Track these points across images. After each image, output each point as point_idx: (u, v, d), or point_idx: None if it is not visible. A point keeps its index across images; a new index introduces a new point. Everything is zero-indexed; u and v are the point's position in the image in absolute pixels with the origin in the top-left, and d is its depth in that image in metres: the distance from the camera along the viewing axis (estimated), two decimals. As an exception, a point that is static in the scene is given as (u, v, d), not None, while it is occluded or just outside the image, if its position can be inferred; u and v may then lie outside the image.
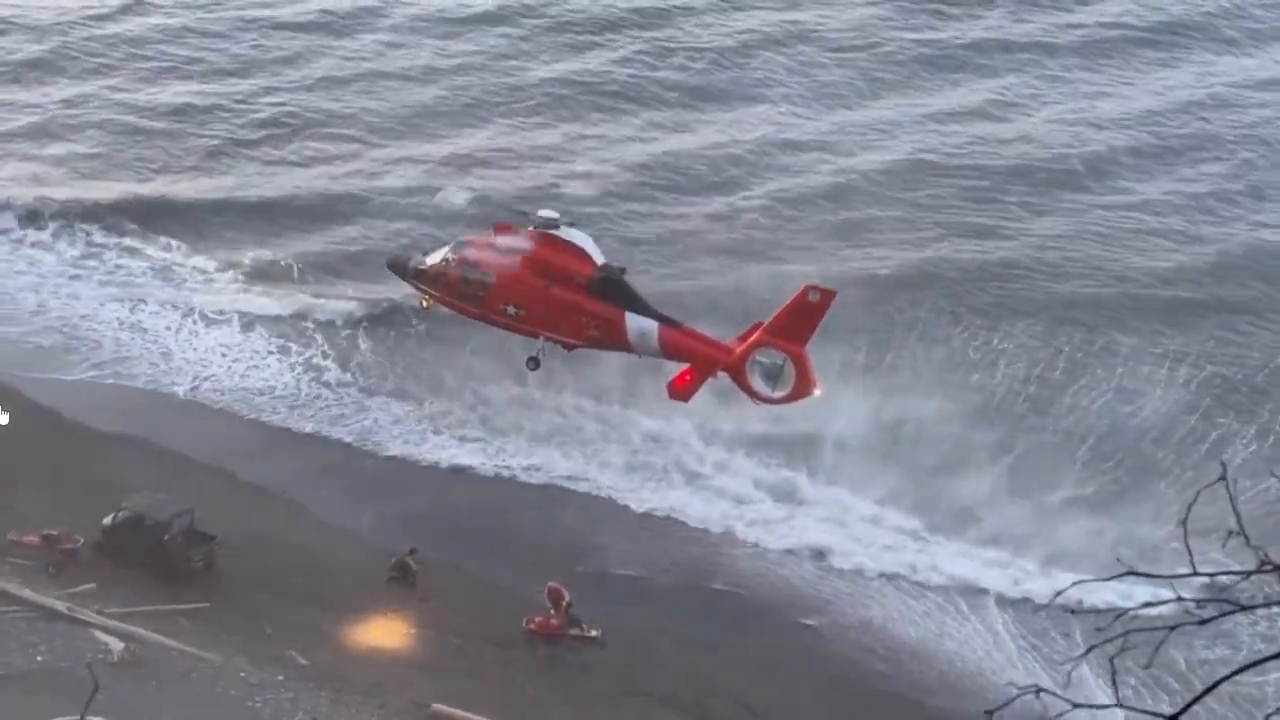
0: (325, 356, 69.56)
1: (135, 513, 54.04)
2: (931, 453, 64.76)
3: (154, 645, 48.95)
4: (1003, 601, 59.04)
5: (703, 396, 62.42)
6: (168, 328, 70.28)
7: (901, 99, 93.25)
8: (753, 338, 59.70)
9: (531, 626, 54.57)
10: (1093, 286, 77.01)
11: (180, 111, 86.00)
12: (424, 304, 65.42)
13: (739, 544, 61.75)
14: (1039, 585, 58.17)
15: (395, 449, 64.71)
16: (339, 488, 61.99)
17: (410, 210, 77.18)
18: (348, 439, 65.03)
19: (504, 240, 62.57)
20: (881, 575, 60.52)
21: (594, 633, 54.77)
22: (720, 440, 65.84)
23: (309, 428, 65.59)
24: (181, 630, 50.52)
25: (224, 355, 69.14)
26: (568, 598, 54.70)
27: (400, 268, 65.85)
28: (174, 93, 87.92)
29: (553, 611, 54.69)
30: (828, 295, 57.90)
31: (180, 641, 49.53)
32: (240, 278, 73.53)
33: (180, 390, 66.70)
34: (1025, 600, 58.45)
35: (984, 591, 59.48)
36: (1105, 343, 72.30)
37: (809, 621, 58.17)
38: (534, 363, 63.18)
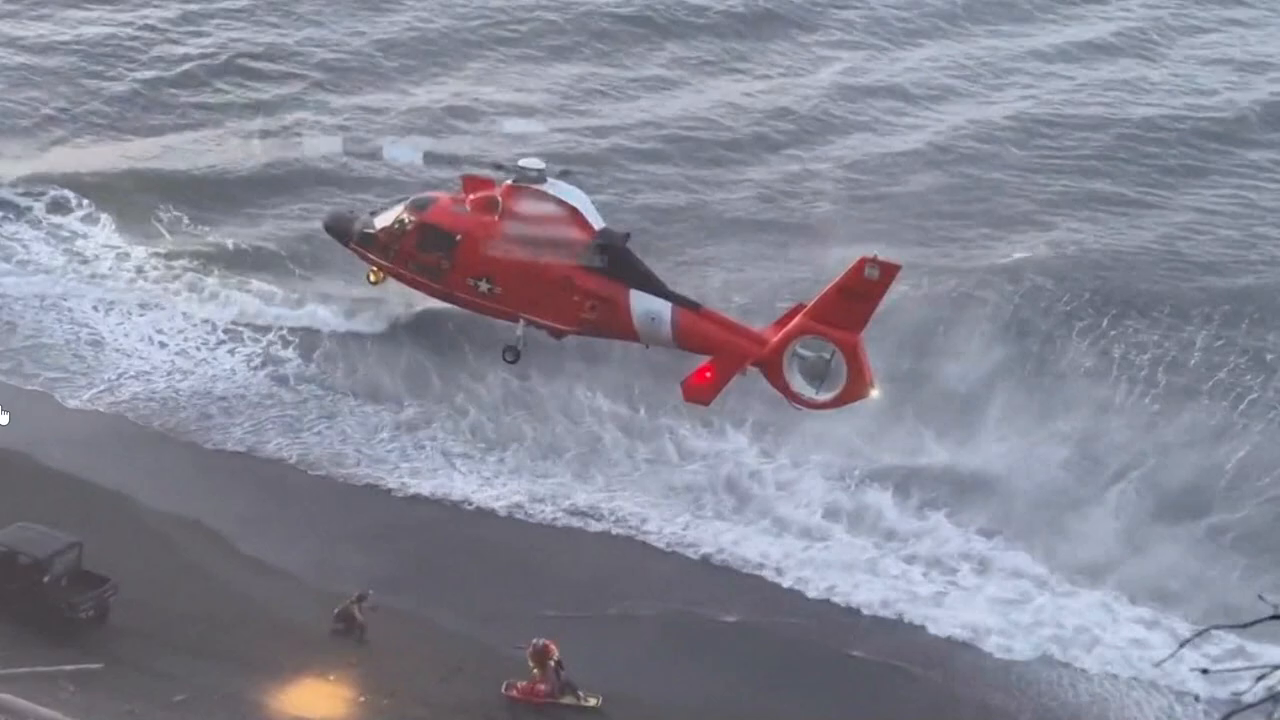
0: (286, 345, 70.39)
1: (5, 548, 54.80)
2: (1045, 471, 65.39)
3: (30, 717, 49.55)
4: (1167, 674, 58.64)
5: (764, 396, 62.71)
6: (94, 308, 71.61)
7: (1012, 28, 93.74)
8: (792, 324, 59.85)
9: (513, 693, 55.08)
10: (1254, 269, 78.07)
11: (83, 48, 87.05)
12: (371, 277, 66.08)
13: (799, 593, 61.70)
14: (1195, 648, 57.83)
15: (352, 466, 65.14)
16: (272, 516, 62.43)
17: (370, 171, 78.24)
18: (287, 453, 65.52)
19: (475, 197, 63.06)
20: (992, 637, 60.24)
21: (592, 701, 55.32)
22: (785, 453, 66.11)
23: (238, 438, 66.14)
24: (65, 699, 51.03)
25: (163, 346, 70.34)
26: (556, 656, 55.02)
27: (341, 230, 66.48)
28: (72, 23, 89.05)
29: (538, 674, 55.07)
30: (889, 270, 57.93)
31: (64, 713, 50.03)
32: (166, 251, 74.58)
33: (86, 392, 67.37)
34: (1179, 662, 57.59)
35: (1151, 664, 58.94)
36: (1256, 316, 73.51)
37: (888, 692, 58.20)
38: (512, 354, 63.79)
